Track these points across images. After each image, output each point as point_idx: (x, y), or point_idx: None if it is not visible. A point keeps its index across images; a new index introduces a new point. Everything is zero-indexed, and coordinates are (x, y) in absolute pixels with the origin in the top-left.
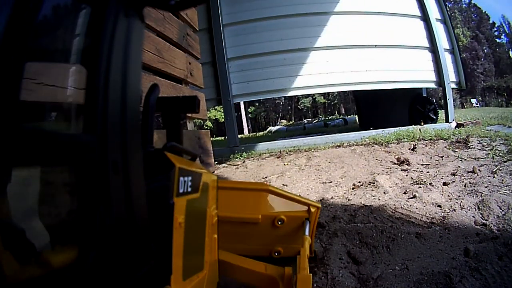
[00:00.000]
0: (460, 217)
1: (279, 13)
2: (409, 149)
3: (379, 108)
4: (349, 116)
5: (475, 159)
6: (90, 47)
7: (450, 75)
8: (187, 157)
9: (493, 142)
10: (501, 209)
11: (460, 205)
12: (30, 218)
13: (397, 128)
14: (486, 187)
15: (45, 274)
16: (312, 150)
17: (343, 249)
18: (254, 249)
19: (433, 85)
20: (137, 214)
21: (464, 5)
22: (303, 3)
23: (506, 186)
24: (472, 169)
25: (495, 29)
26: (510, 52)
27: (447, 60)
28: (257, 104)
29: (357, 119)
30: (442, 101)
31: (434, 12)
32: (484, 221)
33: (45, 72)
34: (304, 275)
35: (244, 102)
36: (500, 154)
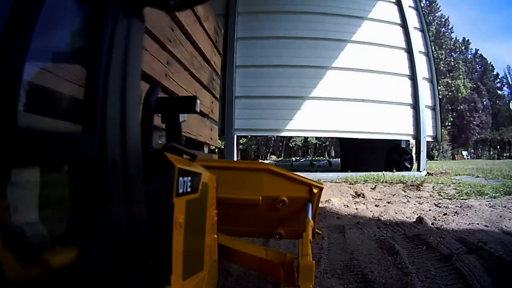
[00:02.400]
0: (372, 216)
1: (283, 63)
2: (370, 188)
3: (359, 154)
4: (335, 159)
5: (418, 197)
6: (90, 47)
7: (428, 130)
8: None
9: (447, 187)
10: (395, 212)
11: (375, 211)
12: (30, 218)
13: (369, 172)
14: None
15: (45, 274)
16: None
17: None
18: (254, 231)
19: (410, 138)
20: (136, 214)
21: (470, 56)
22: (306, 56)
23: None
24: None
25: (498, 80)
26: (510, 104)
27: (427, 116)
28: (249, 136)
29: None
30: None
31: (422, 71)
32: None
33: (45, 72)
34: (307, 261)
35: None
36: (445, 196)
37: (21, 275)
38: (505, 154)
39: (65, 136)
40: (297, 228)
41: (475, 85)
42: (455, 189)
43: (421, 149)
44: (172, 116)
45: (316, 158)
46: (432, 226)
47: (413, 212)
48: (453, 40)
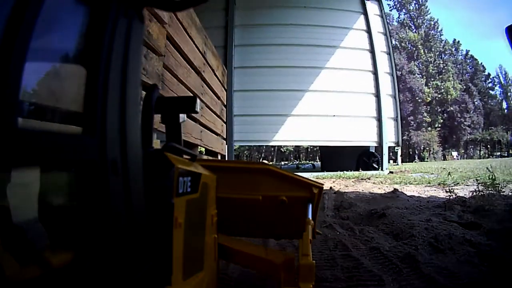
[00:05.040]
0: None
1: (271, 88)
2: (332, 181)
3: (335, 158)
4: (318, 162)
5: (357, 184)
6: (90, 48)
7: (390, 137)
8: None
9: (387, 180)
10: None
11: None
12: (30, 218)
13: (342, 172)
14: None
15: (45, 274)
16: None
17: None
18: (254, 231)
19: (374, 144)
20: (136, 214)
21: (460, 57)
22: (288, 82)
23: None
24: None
25: (489, 80)
26: (503, 103)
27: (389, 126)
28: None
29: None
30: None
31: (386, 89)
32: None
33: (44, 73)
34: (307, 262)
35: None
36: (376, 183)
37: (21, 275)
38: (495, 154)
39: (65, 137)
40: (297, 228)
41: (465, 86)
42: (390, 180)
43: (384, 152)
44: (172, 116)
45: (302, 162)
46: (335, 190)
47: (339, 188)
48: (443, 42)
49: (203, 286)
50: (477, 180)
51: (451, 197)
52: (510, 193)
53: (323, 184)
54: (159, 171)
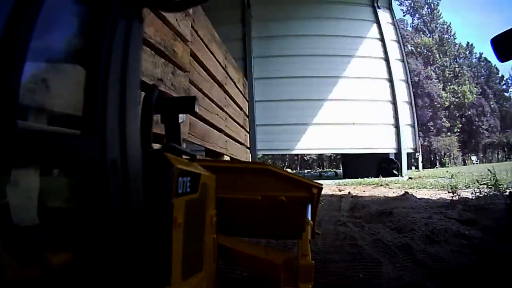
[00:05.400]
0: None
1: (290, 98)
2: (353, 188)
3: (356, 165)
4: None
5: (373, 190)
6: (90, 48)
7: (408, 143)
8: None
9: (405, 185)
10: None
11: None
12: (30, 219)
13: (362, 178)
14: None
15: (45, 274)
16: None
17: None
18: (254, 231)
19: (393, 151)
20: (136, 214)
21: (474, 60)
22: (307, 92)
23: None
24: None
25: (503, 82)
26: None
27: (406, 132)
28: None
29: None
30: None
31: (402, 96)
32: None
33: (44, 73)
34: (306, 262)
35: None
36: (392, 188)
37: (21, 275)
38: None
39: (65, 137)
40: (297, 228)
41: (481, 89)
42: (408, 185)
43: (402, 159)
44: (172, 116)
45: (325, 170)
46: (353, 194)
47: (357, 193)
48: (456, 46)
49: (202, 286)
50: (478, 182)
51: (453, 198)
52: None
53: (322, 185)
54: (158, 171)
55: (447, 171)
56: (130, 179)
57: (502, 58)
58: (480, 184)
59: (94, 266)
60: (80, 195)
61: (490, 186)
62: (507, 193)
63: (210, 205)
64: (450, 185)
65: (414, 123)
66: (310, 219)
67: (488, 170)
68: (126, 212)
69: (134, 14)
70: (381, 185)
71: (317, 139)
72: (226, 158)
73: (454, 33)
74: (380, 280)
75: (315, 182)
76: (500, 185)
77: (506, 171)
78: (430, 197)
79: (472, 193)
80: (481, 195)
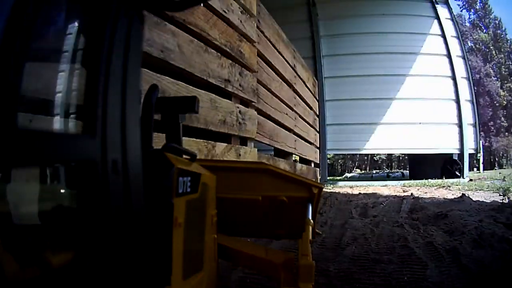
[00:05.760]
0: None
1: (359, 97)
2: (417, 189)
3: (422, 166)
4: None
5: (435, 192)
6: (90, 48)
7: (470, 144)
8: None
9: (465, 187)
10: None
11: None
12: (29, 218)
13: (426, 180)
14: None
15: (45, 274)
16: (368, 186)
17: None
18: (254, 231)
19: (457, 151)
20: (136, 214)
21: None
22: (375, 90)
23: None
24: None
25: None
26: None
27: (469, 132)
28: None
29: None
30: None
31: (464, 95)
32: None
33: (44, 73)
34: (307, 262)
35: None
36: (452, 190)
37: (21, 275)
38: None
39: (65, 136)
40: (297, 228)
41: None
42: (467, 187)
43: (464, 160)
44: (172, 116)
45: (392, 171)
46: (415, 196)
47: (418, 194)
48: (509, 41)
49: (202, 286)
50: None
51: (504, 201)
52: None
53: (322, 184)
54: (159, 171)
55: (499, 173)
56: (131, 179)
57: None
58: None
59: (94, 266)
60: (80, 195)
61: None
62: None
63: (210, 205)
64: (502, 188)
65: (476, 122)
66: (310, 218)
67: None
68: (126, 212)
69: (135, 14)
70: (443, 186)
71: (384, 139)
72: (295, 158)
73: (505, 29)
74: (423, 283)
75: (316, 182)
76: None
77: None
78: (484, 200)
79: None
80: None
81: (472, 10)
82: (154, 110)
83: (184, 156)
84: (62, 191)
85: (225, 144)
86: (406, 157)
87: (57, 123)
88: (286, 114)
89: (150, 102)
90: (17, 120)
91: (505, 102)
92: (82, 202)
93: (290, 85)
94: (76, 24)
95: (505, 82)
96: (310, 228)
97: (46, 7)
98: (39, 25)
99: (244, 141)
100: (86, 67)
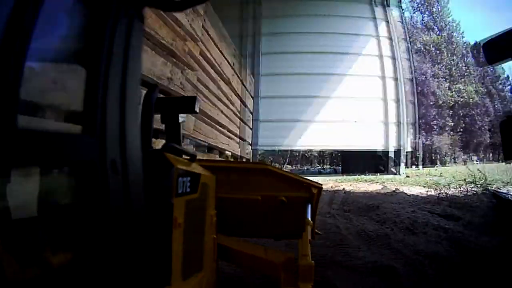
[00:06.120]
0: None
1: (293, 94)
2: (349, 184)
3: (355, 162)
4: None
5: (368, 186)
6: (90, 48)
7: (408, 142)
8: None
9: (396, 182)
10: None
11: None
12: (29, 218)
13: (359, 175)
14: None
15: (45, 274)
16: None
17: None
18: (254, 231)
19: (393, 149)
20: (136, 214)
21: (482, 59)
22: (311, 89)
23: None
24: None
25: (509, 83)
26: None
27: (407, 131)
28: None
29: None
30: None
31: (405, 95)
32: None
33: (44, 72)
34: (306, 262)
35: None
36: (386, 185)
37: (21, 275)
38: None
39: (65, 137)
40: (297, 228)
41: (486, 89)
42: (403, 183)
43: (401, 157)
44: (172, 116)
45: (324, 167)
46: (346, 190)
47: (351, 188)
48: (465, 44)
49: (202, 286)
50: (465, 180)
51: (440, 195)
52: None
53: (322, 185)
54: (158, 171)
55: (435, 169)
56: (130, 179)
57: (490, 61)
58: (468, 183)
59: (94, 266)
60: (80, 194)
61: (478, 185)
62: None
63: (210, 205)
64: (439, 183)
65: (415, 121)
66: (310, 219)
67: (478, 170)
68: (126, 212)
69: (135, 14)
70: (377, 182)
71: (318, 136)
72: (228, 153)
73: (463, 32)
74: (357, 262)
75: (315, 182)
76: (489, 184)
77: (505, 171)
78: (420, 194)
79: (460, 191)
80: (469, 194)
81: (426, 13)
82: (154, 110)
83: (184, 156)
84: (62, 191)
85: (163, 141)
86: (339, 154)
87: (56, 123)
88: (222, 112)
89: (150, 102)
90: (17, 120)
91: (452, 102)
92: (82, 202)
93: (228, 83)
94: (77, 24)
95: (455, 83)
96: (310, 228)
97: (46, 7)
98: (39, 25)
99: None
100: (86, 67)
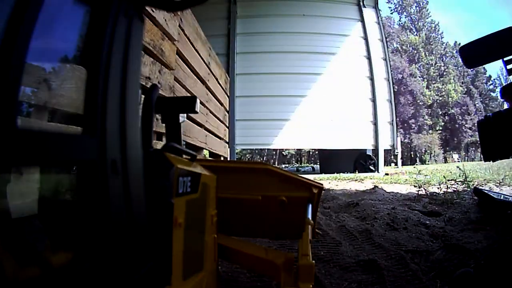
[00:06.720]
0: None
1: (270, 93)
2: (328, 182)
3: (333, 161)
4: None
5: (346, 184)
6: (90, 48)
7: (386, 140)
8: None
9: (376, 180)
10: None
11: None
12: (29, 218)
13: (337, 174)
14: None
15: (45, 274)
16: None
17: None
18: (254, 231)
19: (371, 147)
20: (136, 214)
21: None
22: (288, 88)
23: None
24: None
25: (490, 82)
26: (504, 104)
27: (385, 129)
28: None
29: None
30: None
31: (383, 94)
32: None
33: (44, 73)
34: (307, 262)
35: None
36: (365, 183)
37: (21, 275)
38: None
39: (65, 136)
40: (297, 228)
41: (466, 89)
42: (382, 181)
43: (379, 156)
44: (172, 116)
45: (302, 165)
46: (325, 188)
47: (330, 186)
48: (444, 44)
49: (202, 286)
50: (445, 177)
51: (419, 192)
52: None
53: (323, 184)
54: (159, 171)
55: (414, 167)
56: (131, 179)
57: (468, 65)
58: (448, 180)
59: (94, 266)
60: (80, 195)
61: (458, 182)
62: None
63: (210, 205)
64: (418, 180)
65: (393, 120)
66: (310, 218)
67: (458, 167)
68: (126, 212)
69: (135, 14)
70: (356, 180)
71: (296, 135)
72: (205, 152)
73: (442, 32)
74: (339, 256)
75: (316, 182)
76: (470, 181)
77: (485, 169)
78: (399, 191)
79: (439, 188)
80: (450, 191)
81: (404, 13)
82: (154, 110)
83: (184, 156)
84: (62, 191)
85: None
86: (317, 152)
87: (57, 123)
88: (200, 111)
89: (150, 102)
90: (17, 120)
91: (430, 101)
92: (82, 202)
93: (203, 82)
94: (77, 23)
95: (433, 82)
96: (310, 228)
97: (46, 6)
98: (39, 25)
99: (159, 136)
100: (87, 67)
